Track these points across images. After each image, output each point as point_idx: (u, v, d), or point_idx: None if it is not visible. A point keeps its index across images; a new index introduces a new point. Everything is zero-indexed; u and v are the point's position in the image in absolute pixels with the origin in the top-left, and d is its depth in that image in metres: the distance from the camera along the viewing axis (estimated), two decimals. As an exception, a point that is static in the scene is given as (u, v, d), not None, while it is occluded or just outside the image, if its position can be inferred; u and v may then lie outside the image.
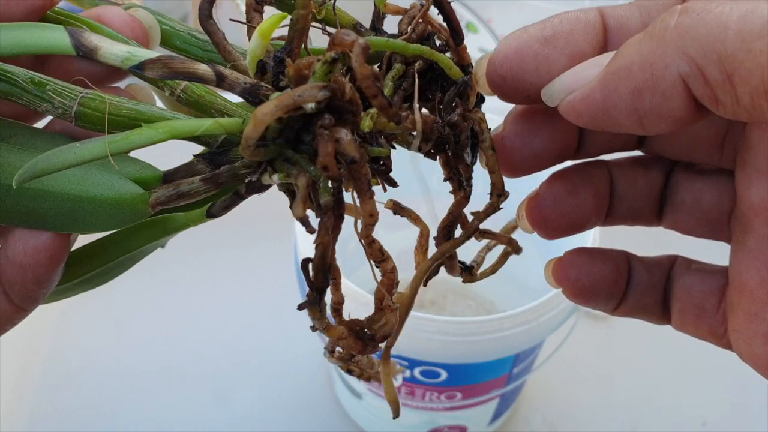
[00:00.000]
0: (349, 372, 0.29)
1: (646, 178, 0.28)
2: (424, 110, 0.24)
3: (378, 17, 0.25)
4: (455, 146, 0.24)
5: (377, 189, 0.23)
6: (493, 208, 0.26)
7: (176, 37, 0.26)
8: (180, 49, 0.26)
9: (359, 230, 0.22)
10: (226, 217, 0.25)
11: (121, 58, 0.22)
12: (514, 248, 0.29)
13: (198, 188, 0.23)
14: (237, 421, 0.61)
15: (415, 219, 0.27)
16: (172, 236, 0.26)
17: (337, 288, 0.23)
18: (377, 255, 0.23)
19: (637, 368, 0.67)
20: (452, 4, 0.24)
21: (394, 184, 0.24)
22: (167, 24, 0.26)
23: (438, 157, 0.25)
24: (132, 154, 0.23)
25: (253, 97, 0.22)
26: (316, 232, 0.21)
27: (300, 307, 0.22)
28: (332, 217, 0.21)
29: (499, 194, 0.26)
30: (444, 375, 0.52)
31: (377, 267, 0.23)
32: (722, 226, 0.27)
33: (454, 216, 0.26)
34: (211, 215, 0.24)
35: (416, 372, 0.51)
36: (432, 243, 0.27)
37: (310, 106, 0.19)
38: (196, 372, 0.64)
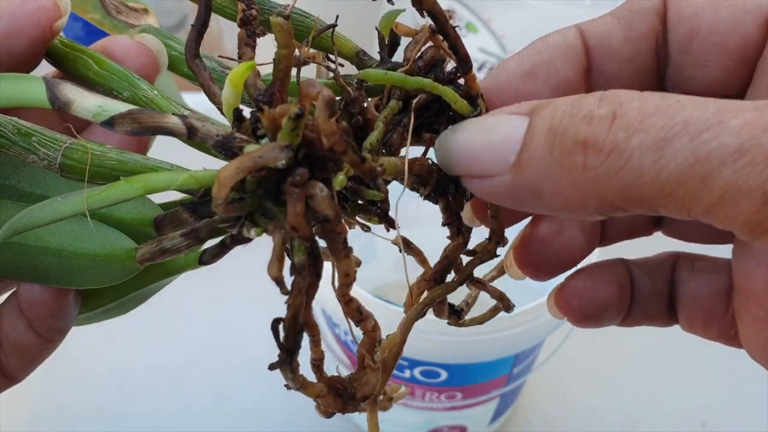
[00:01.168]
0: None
1: None
2: (418, 149, 0.23)
3: (382, 45, 0.24)
4: (455, 191, 0.23)
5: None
6: (489, 254, 0.25)
7: (183, 63, 0.25)
8: (187, 76, 0.26)
9: (335, 288, 0.20)
10: None
11: (92, 113, 0.22)
12: (505, 306, 0.27)
13: (179, 244, 0.22)
14: (237, 421, 0.61)
15: (422, 261, 0.25)
16: (177, 276, 0.26)
17: (316, 344, 0.22)
18: (355, 315, 0.21)
19: (637, 368, 0.67)
20: (452, 2, 0.22)
21: (392, 224, 0.22)
22: (176, 49, 0.26)
23: (439, 201, 0.24)
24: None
25: (227, 151, 0.20)
26: (290, 293, 0.19)
27: (271, 368, 0.21)
28: (307, 276, 0.20)
29: (497, 241, 0.24)
30: (444, 375, 0.51)
31: (357, 326, 0.22)
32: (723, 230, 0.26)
33: (449, 260, 0.25)
34: (202, 263, 0.24)
35: (416, 372, 0.51)
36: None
37: (281, 163, 0.18)
38: (196, 372, 0.64)
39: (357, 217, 0.22)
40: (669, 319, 0.27)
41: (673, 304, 0.27)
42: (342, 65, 0.23)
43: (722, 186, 0.16)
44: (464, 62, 0.22)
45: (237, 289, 0.70)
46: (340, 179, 0.19)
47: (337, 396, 0.22)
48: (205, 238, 0.22)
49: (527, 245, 0.26)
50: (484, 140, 0.20)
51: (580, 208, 0.19)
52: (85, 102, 0.22)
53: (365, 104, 0.22)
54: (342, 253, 0.20)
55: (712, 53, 0.23)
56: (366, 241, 0.60)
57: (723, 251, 0.26)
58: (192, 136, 0.21)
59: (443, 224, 0.24)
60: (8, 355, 0.25)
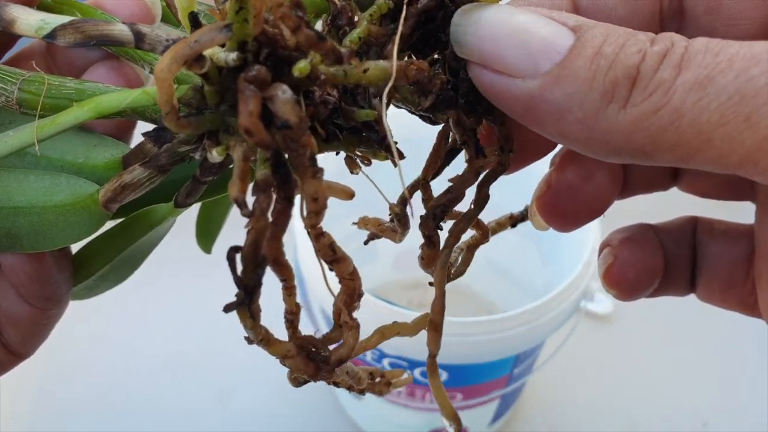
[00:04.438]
0: (336, 384, 0.23)
1: None
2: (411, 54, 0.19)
3: None
4: (469, 102, 0.19)
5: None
6: (502, 167, 0.21)
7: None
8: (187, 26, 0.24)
9: (303, 217, 0.16)
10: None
11: (34, 28, 0.20)
12: (484, 234, 0.24)
13: (140, 176, 0.19)
14: (238, 421, 0.59)
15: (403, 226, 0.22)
16: (167, 226, 0.24)
17: (289, 292, 0.18)
18: (327, 253, 0.17)
19: (638, 369, 0.64)
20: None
21: (400, 155, 0.18)
22: None
23: (446, 116, 0.20)
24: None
25: None
26: (251, 214, 0.16)
27: (226, 309, 0.17)
28: (276, 197, 0.16)
29: (509, 150, 0.21)
30: (444, 376, 0.51)
31: (330, 269, 0.18)
32: (744, 184, 0.23)
33: (455, 194, 0.21)
34: (178, 205, 0.21)
35: (417, 373, 0.51)
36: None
37: (231, 57, 0.15)
38: (197, 372, 0.62)
39: (357, 151, 0.19)
40: (689, 287, 0.25)
41: (693, 271, 0.25)
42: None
43: None
44: None
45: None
46: (301, 65, 0.15)
47: (308, 359, 0.18)
48: (166, 166, 0.19)
49: (554, 192, 0.23)
50: (518, 34, 0.17)
51: (601, 146, 0.17)
52: (29, 18, 0.20)
53: (355, 17, 0.18)
54: (309, 171, 0.16)
55: (747, 9, 0.20)
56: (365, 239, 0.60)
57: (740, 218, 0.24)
58: (140, 43, 0.18)
59: (458, 146, 0.20)
60: (6, 328, 0.24)
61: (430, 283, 0.21)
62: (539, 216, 0.24)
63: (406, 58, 0.18)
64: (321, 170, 0.16)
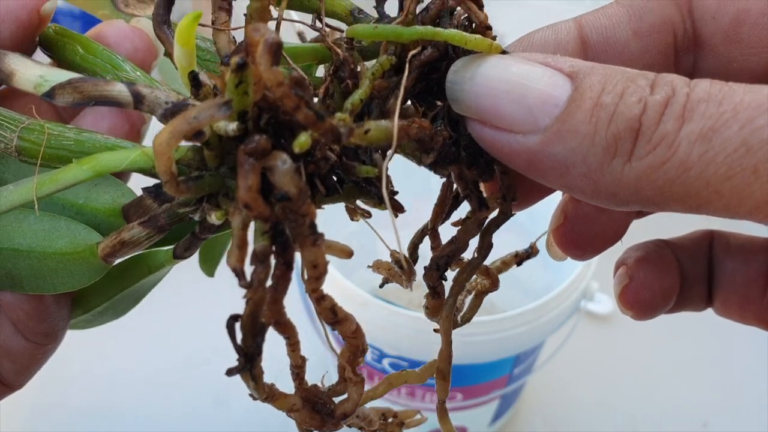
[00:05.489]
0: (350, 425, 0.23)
1: None
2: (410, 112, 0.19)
3: None
4: (470, 157, 0.19)
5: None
6: (505, 216, 0.21)
7: None
8: None
9: (305, 281, 0.16)
10: None
11: (33, 84, 0.20)
12: (493, 282, 0.24)
13: (138, 235, 0.19)
14: (236, 422, 0.59)
15: (409, 274, 0.22)
16: (166, 270, 0.24)
17: (293, 348, 0.18)
18: (329, 316, 0.17)
19: (638, 369, 0.65)
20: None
21: (400, 208, 0.18)
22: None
23: (448, 170, 0.20)
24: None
25: None
26: (248, 285, 0.16)
27: (228, 374, 0.17)
28: (276, 266, 0.16)
29: (512, 198, 0.21)
30: (444, 376, 0.51)
31: (333, 330, 0.18)
32: None
33: (459, 244, 0.21)
34: (176, 257, 0.21)
35: (416, 373, 0.51)
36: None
37: (231, 127, 0.15)
38: (196, 373, 0.62)
39: (357, 202, 0.19)
40: (706, 303, 0.25)
41: (710, 286, 0.25)
42: (336, 28, 0.19)
43: None
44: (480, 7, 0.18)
45: (237, 293, 0.70)
46: (301, 140, 0.15)
47: (314, 411, 0.19)
48: (165, 227, 0.19)
49: (571, 224, 0.23)
50: (515, 88, 0.17)
51: (609, 198, 0.16)
52: (27, 73, 0.20)
53: (358, 68, 0.18)
54: (308, 240, 0.16)
55: (766, 38, 0.20)
56: (366, 241, 0.59)
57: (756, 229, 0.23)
58: (139, 105, 0.18)
59: (461, 198, 0.20)
60: (2, 360, 0.24)
61: (436, 330, 0.22)
62: (556, 246, 0.24)
63: (409, 107, 0.18)
64: (321, 236, 0.16)
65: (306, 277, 0.16)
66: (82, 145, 0.20)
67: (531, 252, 0.25)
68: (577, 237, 0.23)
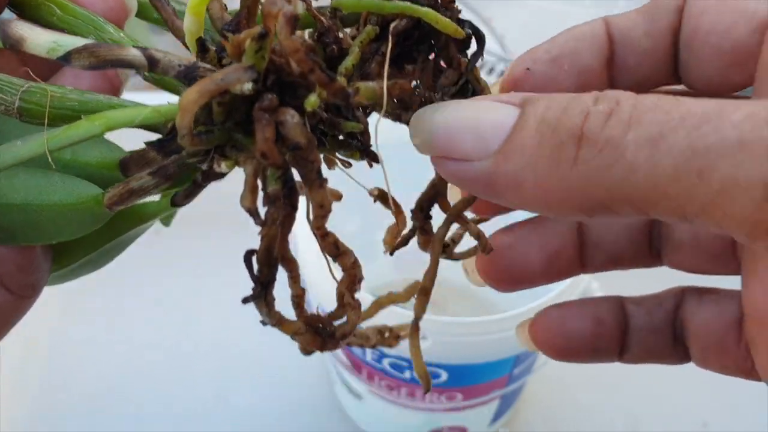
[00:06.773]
0: (348, 345, 0.26)
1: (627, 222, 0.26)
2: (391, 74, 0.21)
3: None
4: None
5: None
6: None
7: (153, 9, 0.24)
8: (157, 22, 0.24)
9: (310, 221, 0.19)
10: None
11: (46, 49, 0.20)
12: (482, 245, 0.26)
13: (148, 183, 0.21)
14: (236, 422, 0.60)
15: (397, 213, 0.24)
16: (156, 220, 0.25)
17: (294, 280, 0.21)
18: (332, 249, 0.20)
19: (638, 369, 0.66)
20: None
21: (374, 158, 0.21)
22: None
23: None
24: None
25: (190, 81, 0.19)
26: (263, 224, 0.19)
27: (244, 301, 0.20)
28: (282, 207, 0.19)
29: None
30: (444, 376, 0.51)
31: (335, 262, 0.21)
32: (728, 258, 0.25)
33: (437, 189, 0.23)
34: (175, 204, 0.22)
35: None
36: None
37: (247, 87, 0.17)
38: (195, 372, 0.63)
39: (337, 153, 0.21)
40: (677, 356, 0.27)
41: (681, 340, 0.26)
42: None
43: (720, 180, 0.15)
44: None
45: (237, 289, 0.70)
46: (312, 100, 0.17)
47: (316, 334, 0.22)
48: (173, 175, 0.21)
49: (492, 255, 0.25)
50: (468, 122, 0.19)
51: (562, 204, 0.18)
52: (39, 38, 0.21)
53: (341, 34, 0.21)
54: (316, 183, 0.18)
55: (708, 53, 0.22)
56: (366, 242, 0.60)
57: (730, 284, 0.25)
58: (153, 68, 0.19)
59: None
60: None
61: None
62: (476, 273, 0.26)
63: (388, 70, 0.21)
64: (326, 180, 0.19)
65: (312, 216, 0.19)
66: (86, 105, 0.21)
67: None
68: (490, 268, 0.25)
